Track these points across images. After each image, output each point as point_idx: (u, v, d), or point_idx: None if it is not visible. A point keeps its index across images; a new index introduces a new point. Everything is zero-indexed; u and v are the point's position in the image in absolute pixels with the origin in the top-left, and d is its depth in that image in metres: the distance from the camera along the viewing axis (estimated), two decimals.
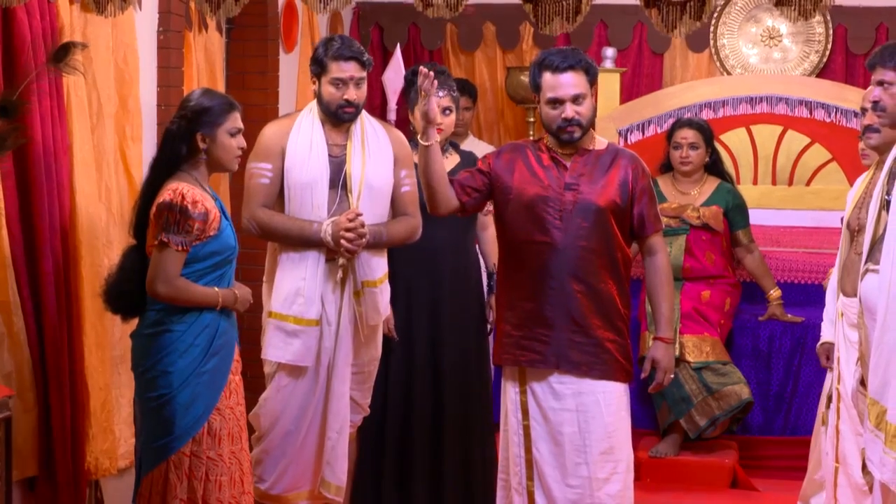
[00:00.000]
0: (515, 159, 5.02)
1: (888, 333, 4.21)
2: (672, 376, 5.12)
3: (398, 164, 5.46)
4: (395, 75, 7.53)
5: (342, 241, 5.18)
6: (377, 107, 8.13)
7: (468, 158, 5.77)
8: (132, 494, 4.81)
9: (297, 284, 5.27)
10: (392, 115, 7.41)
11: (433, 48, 8.47)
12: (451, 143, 5.91)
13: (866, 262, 4.58)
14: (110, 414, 5.49)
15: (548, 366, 4.95)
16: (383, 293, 5.45)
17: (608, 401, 4.94)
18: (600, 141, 5.06)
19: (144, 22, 5.92)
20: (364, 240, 5.22)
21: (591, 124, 5.01)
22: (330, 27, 8.11)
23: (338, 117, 5.36)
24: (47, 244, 5.08)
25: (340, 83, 5.31)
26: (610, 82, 7.71)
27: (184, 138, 4.72)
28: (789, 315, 7.14)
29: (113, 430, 5.50)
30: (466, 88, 7.65)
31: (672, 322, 5.07)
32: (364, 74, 5.37)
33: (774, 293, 7.18)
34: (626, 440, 5.04)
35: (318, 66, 5.37)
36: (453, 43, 8.48)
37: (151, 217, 4.66)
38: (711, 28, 8.12)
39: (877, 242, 4.52)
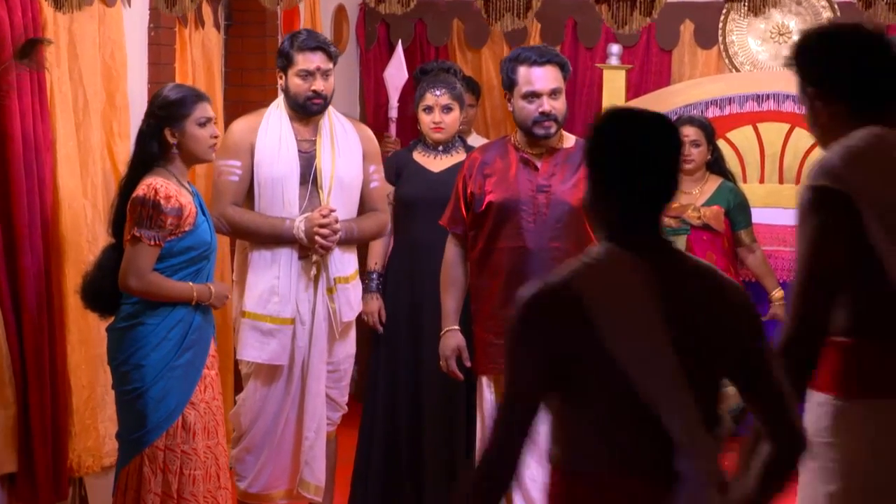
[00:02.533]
0: (486, 166, 4.98)
1: None
2: None
3: (367, 160, 5.48)
4: (396, 72, 7.49)
5: (316, 238, 5.16)
6: (383, 105, 8.07)
7: None
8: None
9: (270, 283, 5.26)
10: (394, 113, 7.37)
11: (440, 45, 8.40)
12: (459, 139, 5.89)
13: None
14: (94, 411, 5.49)
15: None
16: (356, 289, 5.46)
17: None
18: (569, 138, 5.01)
19: (134, 18, 5.91)
20: (338, 236, 5.21)
21: (564, 123, 4.96)
22: (334, 24, 8.08)
23: (306, 109, 5.33)
24: (27, 240, 5.08)
25: (307, 74, 5.30)
26: (615, 79, 7.62)
27: (153, 135, 4.75)
28: None
29: (97, 428, 5.50)
30: (470, 85, 7.57)
31: None
32: (331, 66, 5.36)
33: (777, 293, 7.08)
34: None
35: (285, 59, 5.35)
36: (460, 39, 8.41)
37: (127, 213, 4.66)
38: (720, 24, 8.01)
39: None
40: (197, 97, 4.81)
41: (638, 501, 2.74)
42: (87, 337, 5.42)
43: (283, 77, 5.36)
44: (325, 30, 7.90)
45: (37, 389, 5.11)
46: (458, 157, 5.73)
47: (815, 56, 3.40)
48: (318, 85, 5.30)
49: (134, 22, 5.92)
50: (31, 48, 4.82)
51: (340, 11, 8.17)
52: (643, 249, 2.78)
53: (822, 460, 3.24)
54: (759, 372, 2.81)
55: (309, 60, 5.30)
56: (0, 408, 5.03)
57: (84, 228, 5.42)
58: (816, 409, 3.30)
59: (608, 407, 2.74)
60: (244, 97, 6.98)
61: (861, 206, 3.19)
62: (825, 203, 3.22)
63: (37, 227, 5.13)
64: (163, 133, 4.72)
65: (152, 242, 4.62)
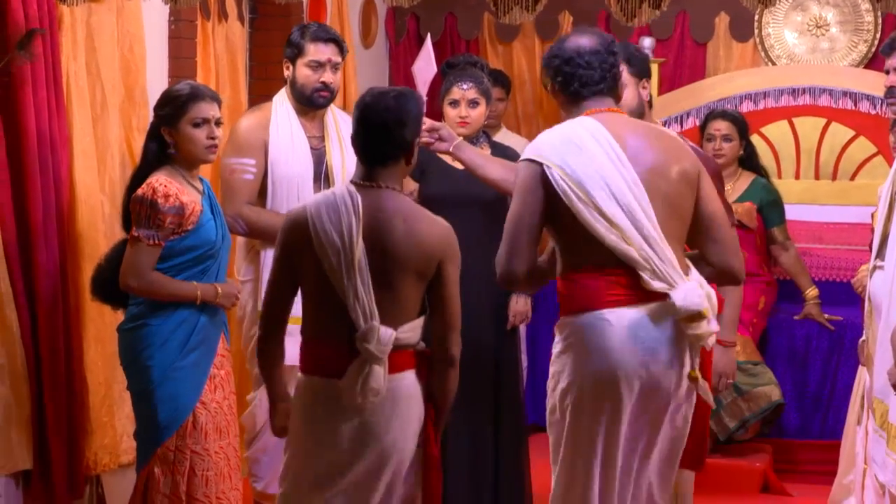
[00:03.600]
0: None
1: (891, 331, 4.09)
2: (731, 381, 4.95)
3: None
4: (425, 65, 7.36)
5: None
6: None
7: (501, 151, 5.61)
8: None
9: None
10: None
11: (470, 38, 8.33)
12: (484, 134, 5.78)
13: (875, 259, 4.46)
14: (111, 409, 5.44)
15: None
16: None
17: None
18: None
19: (154, 11, 5.85)
20: None
21: None
22: (363, 17, 8.00)
23: (311, 102, 5.29)
24: (42, 236, 5.03)
25: (318, 65, 5.27)
26: None
27: (152, 135, 4.69)
28: (826, 315, 6.91)
29: (114, 426, 5.45)
30: (500, 79, 7.49)
31: (734, 325, 4.93)
32: (341, 61, 5.32)
33: (811, 292, 6.96)
34: None
35: (295, 49, 5.28)
36: (490, 33, 8.33)
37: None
38: (756, 17, 7.88)
39: (885, 239, 4.41)
40: (193, 96, 4.66)
41: (332, 363, 3.91)
42: (102, 334, 5.36)
43: (291, 67, 5.30)
44: (353, 23, 7.83)
45: (52, 387, 5.07)
46: (483, 152, 5.63)
47: None
48: (328, 77, 5.28)
49: (154, 15, 5.86)
50: (27, 39, 4.74)
51: (369, 4, 8.10)
52: (362, 189, 3.94)
53: None
54: (439, 294, 3.97)
55: (321, 51, 5.28)
56: (15, 405, 4.98)
57: (101, 224, 5.36)
58: None
59: (318, 295, 3.94)
60: (270, 91, 6.88)
61: None
62: None
63: (52, 222, 5.08)
64: (160, 133, 4.65)
65: (151, 242, 4.54)
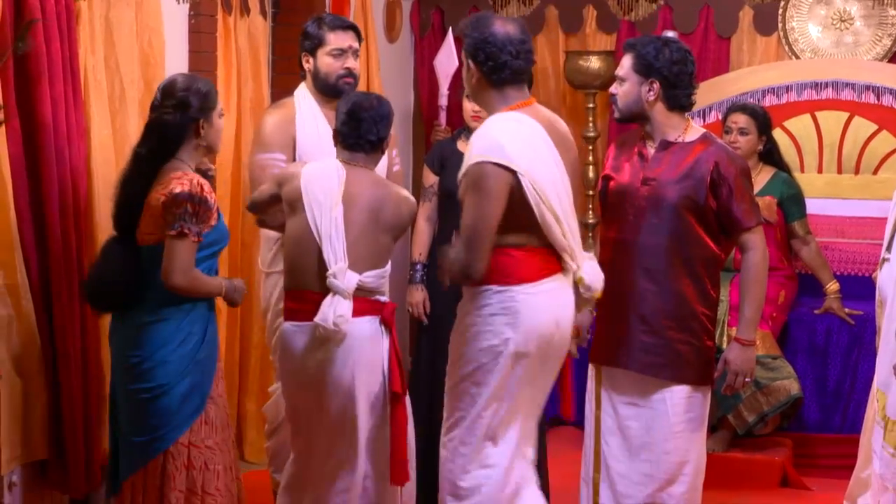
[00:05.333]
0: (620, 151, 5.06)
1: (895, 323, 4.09)
2: (749, 380, 4.94)
3: (389, 145, 5.31)
4: (447, 59, 7.44)
5: None
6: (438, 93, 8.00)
7: None
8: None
9: None
10: (444, 101, 7.32)
11: None
12: (466, 129, 5.83)
13: (885, 251, 4.46)
14: None
15: (620, 364, 4.93)
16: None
17: (675, 401, 4.87)
18: (694, 131, 4.94)
19: (174, 5, 5.90)
20: None
21: (623, 110, 4.97)
22: (387, 10, 8.02)
23: (337, 90, 5.32)
24: (58, 228, 5.09)
25: (340, 53, 5.35)
26: None
27: (184, 127, 4.64)
28: (846, 309, 6.90)
29: None
30: None
31: (754, 323, 4.91)
32: (359, 46, 5.36)
33: (832, 286, 6.95)
34: (695, 442, 4.94)
35: (314, 40, 5.33)
36: None
37: (155, 206, 4.58)
38: (780, 11, 7.85)
39: None
40: (215, 90, 4.75)
41: (308, 307, 4.66)
42: None
43: (311, 59, 5.34)
44: (378, 17, 7.86)
45: (67, 377, 5.13)
46: None
47: None
48: (351, 63, 5.36)
49: (173, 9, 5.92)
50: (25, 30, 4.75)
51: None
52: (346, 165, 4.75)
53: None
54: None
55: (342, 39, 5.34)
56: (31, 396, 5.04)
57: None
58: None
59: (297, 249, 4.74)
60: (293, 85, 6.92)
61: None
62: None
63: (69, 215, 5.13)
64: (195, 125, 4.64)
65: (196, 238, 4.55)
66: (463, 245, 4.40)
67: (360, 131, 4.76)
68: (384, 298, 4.82)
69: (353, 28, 5.40)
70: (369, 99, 4.81)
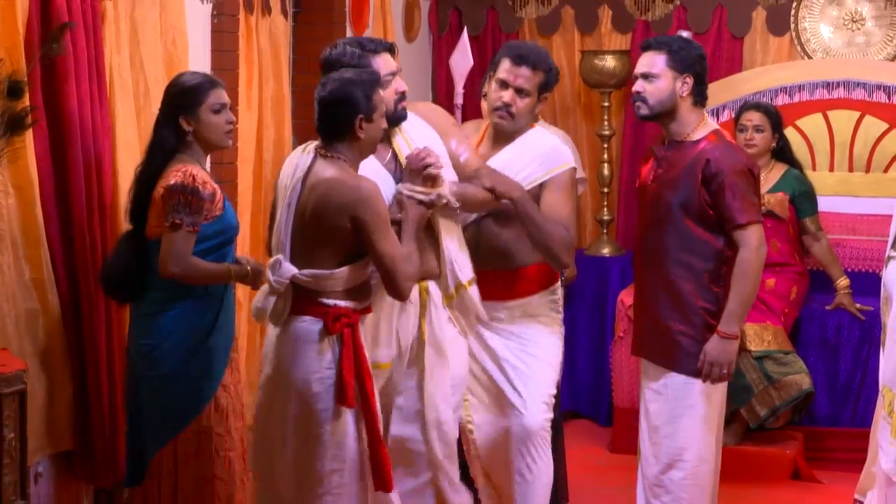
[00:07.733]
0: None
1: None
2: (724, 372, 5.00)
3: (445, 137, 4.95)
4: (461, 59, 7.52)
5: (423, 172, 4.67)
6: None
7: None
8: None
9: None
10: (460, 100, 7.41)
11: (511, 32, 8.37)
12: None
13: (890, 249, 4.49)
14: None
15: (635, 352, 5.26)
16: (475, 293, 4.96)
17: (674, 388, 5.06)
18: (704, 128, 5.07)
19: (197, 5, 5.99)
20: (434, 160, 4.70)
21: (655, 107, 5.07)
22: (406, 10, 8.11)
23: (397, 117, 4.78)
24: (84, 223, 5.15)
25: (390, 76, 4.74)
26: None
27: (168, 123, 4.79)
28: (857, 305, 6.98)
29: None
30: None
31: (736, 318, 4.98)
32: (398, 65, 4.92)
33: (842, 282, 7.03)
34: (697, 430, 5.07)
35: None
36: (531, 27, 8.39)
37: (157, 200, 4.72)
38: (792, 11, 7.93)
39: None
40: (211, 83, 4.83)
41: None
42: None
43: None
44: (397, 16, 7.94)
45: (93, 369, 5.19)
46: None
47: None
48: (401, 84, 4.79)
49: (197, 9, 6.00)
50: (59, 33, 4.87)
51: None
52: (320, 156, 4.46)
53: None
54: (363, 240, 4.35)
55: (388, 62, 4.80)
56: (57, 388, 5.12)
57: None
58: None
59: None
60: (313, 84, 7.01)
61: None
62: None
63: (94, 211, 5.20)
64: (178, 121, 4.77)
65: (191, 228, 4.66)
66: (569, 231, 4.96)
67: (317, 119, 4.48)
68: (336, 303, 4.38)
69: (389, 49, 4.88)
70: (324, 85, 4.50)
